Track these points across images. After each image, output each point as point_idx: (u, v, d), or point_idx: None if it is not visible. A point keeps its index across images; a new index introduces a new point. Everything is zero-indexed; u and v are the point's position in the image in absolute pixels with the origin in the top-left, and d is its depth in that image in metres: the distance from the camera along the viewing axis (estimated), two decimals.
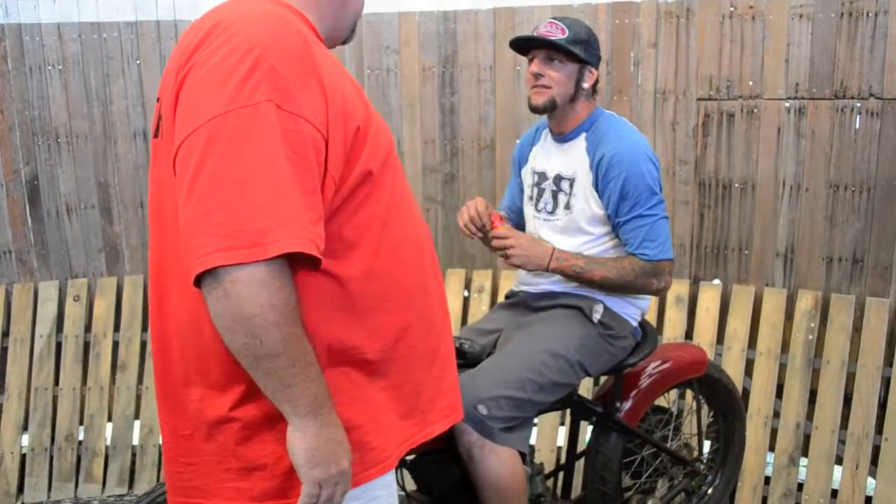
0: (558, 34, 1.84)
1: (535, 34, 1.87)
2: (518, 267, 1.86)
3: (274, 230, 0.90)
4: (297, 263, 0.96)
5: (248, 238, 0.89)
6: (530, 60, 1.92)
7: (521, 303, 2.05)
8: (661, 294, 1.88)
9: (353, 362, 1.04)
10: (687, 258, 2.97)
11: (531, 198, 2.05)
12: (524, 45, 1.93)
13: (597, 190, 1.88)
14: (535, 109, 1.91)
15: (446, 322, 1.18)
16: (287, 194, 0.91)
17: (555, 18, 1.88)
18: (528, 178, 2.07)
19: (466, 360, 1.78)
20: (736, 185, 2.87)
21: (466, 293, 3.12)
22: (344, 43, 1.19)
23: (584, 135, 1.94)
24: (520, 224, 2.15)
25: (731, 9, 2.81)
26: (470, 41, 3.03)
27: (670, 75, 2.88)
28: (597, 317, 1.90)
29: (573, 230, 1.94)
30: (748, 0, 2.78)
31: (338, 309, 1.01)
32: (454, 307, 3.10)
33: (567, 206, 1.94)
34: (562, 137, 1.97)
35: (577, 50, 1.84)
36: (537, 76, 1.88)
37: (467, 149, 3.10)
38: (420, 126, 3.11)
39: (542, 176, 2.01)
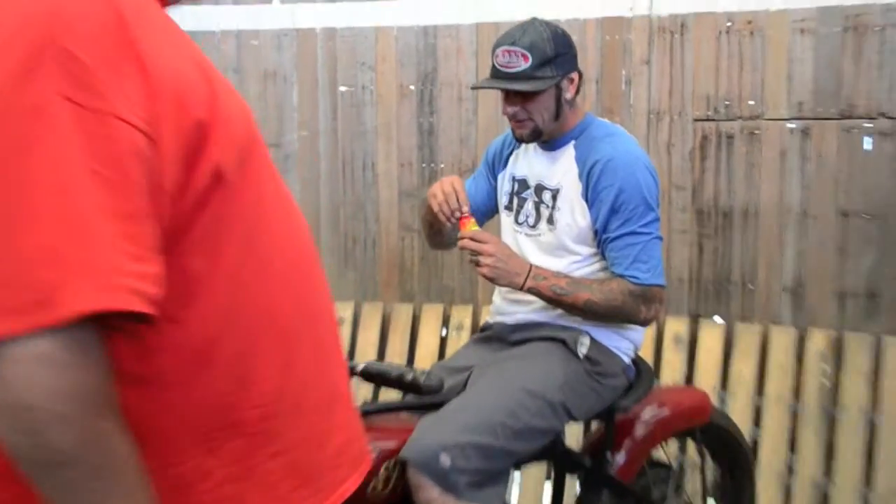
0: (521, 64, 1.67)
1: (496, 65, 1.71)
2: (488, 279, 1.68)
3: (65, 283, 0.64)
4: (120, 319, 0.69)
5: (28, 296, 0.63)
6: (503, 96, 1.76)
7: (496, 336, 1.86)
8: (647, 325, 1.72)
9: (228, 429, 0.79)
10: (685, 293, 2.82)
11: (508, 207, 1.88)
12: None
13: (586, 200, 1.72)
14: (520, 140, 1.79)
15: (339, 351, 0.95)
16: (88, 227, 0.66)
17: (510, 45, 1.70)
18: (505, 185, 1.91)
19: (422, 394, 1.53)
20: (737, 213, 2.76)
21: (444, 331, 2.96)
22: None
23: (572, 143, 1.78)
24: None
25: (728, 23, 2.70)
26: (451, 58, 2.95)
27: (664, 94, 2.79)
28: (583, 350, 1.70)
29: (557, 248, 1.76)
30: (746, 14, 2.68)
31: (194, 364, 0.77)
32: (430, 346, 2.92)
33: (550, 220, 1.77)
34: (548, 145, 1.82)
35: (548, 72, 1.69)
36: (514, 115, 1.74)
37: (447, 172, 2.98)
38: (396, 147, 3.02)
39: (523, 184, 1.85)
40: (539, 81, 1.67)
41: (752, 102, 2.69)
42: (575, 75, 1.75)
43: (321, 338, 0.89)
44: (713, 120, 2.74)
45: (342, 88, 3.00)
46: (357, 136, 3.01)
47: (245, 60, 3.05)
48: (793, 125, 2.65)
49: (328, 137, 3.04)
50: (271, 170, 0.86)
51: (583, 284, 1.67)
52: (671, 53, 2.76)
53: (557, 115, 1.74)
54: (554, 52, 1.69)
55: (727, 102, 2.72)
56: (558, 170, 1.78)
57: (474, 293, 3.00)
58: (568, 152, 1.77)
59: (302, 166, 3.07)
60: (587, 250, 1.74)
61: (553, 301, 1.68)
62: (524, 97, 1.70)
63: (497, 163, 1.95)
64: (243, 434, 0.79)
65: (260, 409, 0.80)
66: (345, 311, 2.97)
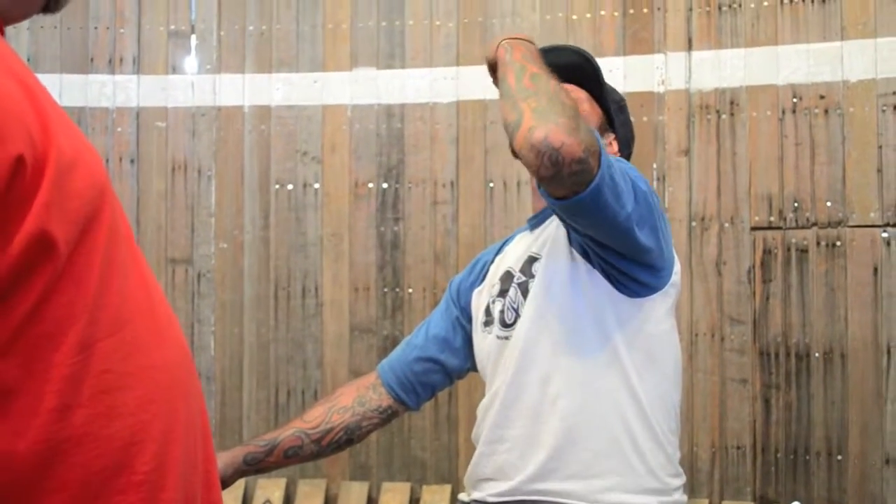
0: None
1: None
2: None
3: None
4: None
5: None
6: None
7: None
8: (545, 152, 1.50)
9: None
10: (747, 468, 2.83)
11: (487, 321, 1.90)
12: None
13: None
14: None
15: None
16: None
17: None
18: (483, 297, 1.91)
19: None
20: (816, 355, 2.77)
21: None
22: (47, 11, 0.99)
23: None
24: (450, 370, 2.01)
25: (795, 100, 2.79)
26: (423, 146, 3.05)
27: (711, 195, 2.86)
28: None
29: (555, 333, 1.74)
30: (818, 86, 2.77)
31: None
32: None
33: (526, 293, 1.78)
34: (539, 218, 1.86)
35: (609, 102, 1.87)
36: None
37: (416, 300, 3.03)
38: (348, 266, 3.07)
39: (507, 277, 1.87)
40: (603, 88, 1.84)
41: (829, 203, 2.75)
42: (613, 139, 1.87)
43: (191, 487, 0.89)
44: (778, 228, 2.80)
45: (276, 186, 3.06)
46: (296, 251, 3.04)
47: (146, 147, 3.08)
48: (888, 233, 2.70)
49: (256, 251, 3.05)
50: (132, 254, 0.90)
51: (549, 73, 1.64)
52: (718, 140, 2.84)
53: None
54: (612, 92, 1.91)
55: (796, 204, 2.78)
56: (547, 231, 1.79)
57: (453, 468, 2.96)
58: None
59: (220, 290, 3.06)
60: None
61: (511, 74, 1.62)
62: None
63: (472, 283, 1.98)
64: None
65: None
66: (272, 491, 2.94)
